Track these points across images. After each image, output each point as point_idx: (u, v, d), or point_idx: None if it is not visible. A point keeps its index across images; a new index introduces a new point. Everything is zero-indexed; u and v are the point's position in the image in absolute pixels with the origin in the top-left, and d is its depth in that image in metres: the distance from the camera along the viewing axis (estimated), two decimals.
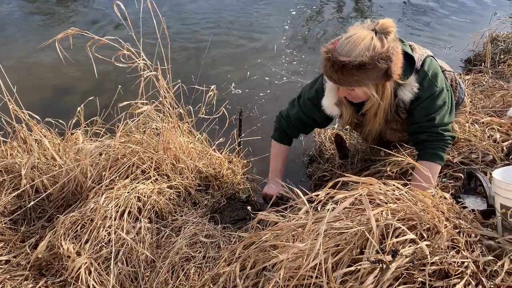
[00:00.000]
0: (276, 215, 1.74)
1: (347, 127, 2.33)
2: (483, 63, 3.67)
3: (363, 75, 1.69)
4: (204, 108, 2.58)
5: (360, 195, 1.43)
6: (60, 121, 2.66)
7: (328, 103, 2.01)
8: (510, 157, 1.92)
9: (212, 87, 2.53)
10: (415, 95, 1.85)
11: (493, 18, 4.59)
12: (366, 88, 1.78)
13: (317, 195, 1.53)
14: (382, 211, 1.47)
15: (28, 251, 1.99)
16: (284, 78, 3.94)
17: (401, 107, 1.92)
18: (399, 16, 5.29)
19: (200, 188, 2.40)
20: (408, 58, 1.81)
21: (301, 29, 5.03)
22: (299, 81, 3.79)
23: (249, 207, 1.99)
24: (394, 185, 1.51)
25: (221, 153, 2.66)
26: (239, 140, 2.85)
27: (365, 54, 1.65)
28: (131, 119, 2.41)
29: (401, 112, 1.94)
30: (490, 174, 1.79)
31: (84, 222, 1.96)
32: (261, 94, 3.75)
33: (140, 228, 1.98)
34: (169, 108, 2.34)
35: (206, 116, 2.61)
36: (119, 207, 1.98)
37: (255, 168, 2.88)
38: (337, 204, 1.45)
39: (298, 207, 1.72)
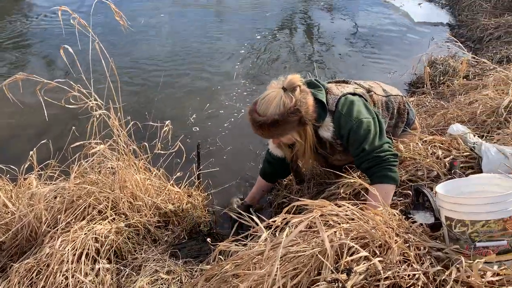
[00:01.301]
0: (237, 244, 1.76)
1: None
2: (424, 85, 3.90)
3: (279, 129, 1.97)
4: (160, 143, 2.59)
5: (314, 217, 1.48)
6: (12, 166, 2.59)
7: (272, 147, 2.33)
8: (452, 171, 2.04)
9: (167, 122, 2.56)
10: (336, 132, 2.07)
11: (431, 43, 4.91)
12: (289, 135, 2.04)
13: (274, 221, 1.57)
14: (336, 231, 1.52)
15: None
16: (242, 110, 4.02)
17: (336, 143, 2.12)
18: (346, 43, 5.56)
19: (160, 224, 2.39)
20: (321, 103, 2.05)
21: (255, 59, 5.17)
22: None
23: (208, 239, 2.00)
24: (344, 205, 1.57)
25: (179, 188, 2.66)
26: (197, 173, 2.86)
27: (277, 112, 1.92)
28: (85, 160, 2.38)
29: (337, 146, 2.14)
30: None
31: (40, 269, 1.90)
32: (218, 127, 3.80)
33: (99, 269, 1.94)
34: (123, 146, 2.34)
35: (162, 152, 2.62)
36: (76, 249, 1.94)
37: (216, 200, 2.89)
38: (293, 229, 1.50)
39: (258, 235, 1.75)
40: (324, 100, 2.05)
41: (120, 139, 2.32)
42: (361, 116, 2.01)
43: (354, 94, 2.12)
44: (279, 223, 1.56)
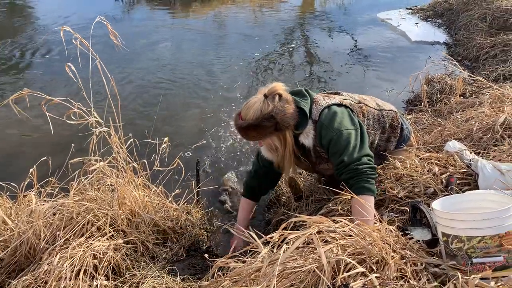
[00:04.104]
0: (235, 261, 1.76)
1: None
2: (422, 103, 3.94)
3: (255, 133, 2.08)
4: (158, 160, 2.61)
5: (311, 233, 1.49)
6: (13, 184, 2.61)
7: (263, 150, 2.35)
8: (449, 188, 2.05)
9: (165, 139, 2.58)
10: (317, 141, 2.13)
11: (428, 62, 4.97)
12: (269, 140, 2.14)
13: (271, 237, 1.58)
14: (333, 247, 1.53)
15: None
16: None
17: (321, 150, 2.18)
18: (344, 62, 5.64)
19: (158, 241, 2.39)
20: (303, 112, 2.13)
21: (254, 77, 5.25)
22: None
23: (206, 255, 2.00)
24: (341, 221, 1.59)
25: (178, 205, 2.66)
26: (196, 190, 2.87)
27: (253, 117, 2.04)
28: (85, 177, 2.40)
29: (322, 153, 2.20)
30: None
31: (38, 285, 1.90)
32: (217, 144, 3.83)
33: (96, 286, 1.93)
34: (123, 163, 2.36)
35: (161, 169, 2.63)
36: (74, 266, 1.94)
37: (215, 217, 2.90)
38: (291, 245, 1.51)
39: (256, 251, 1.75)
40: (306, 109, 2.12)
41: (120, 156, 2.34)
42: (342, 127, 2.06)
43: (339, 105, 2.18)
44: (277, 239, 1.57)
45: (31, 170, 2.55)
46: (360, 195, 1.92)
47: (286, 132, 2.11)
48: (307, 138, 2.15)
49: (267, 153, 2.32)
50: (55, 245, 2.08)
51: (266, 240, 1.60)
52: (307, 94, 2.21)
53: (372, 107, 2.32)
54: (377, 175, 2.15)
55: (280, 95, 2.08)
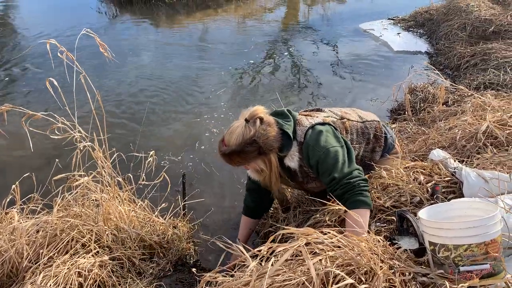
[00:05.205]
0: (223, 275, 1.74)
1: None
2: (405, 112, 3.98)
3: (239, 158, 2.08)
4: (144, 174, 2.58)
5: (299, 246, 1.48)
6: None
7: (250, 172, 2.36)
8: (435, 196, 2.07)
9: (151, 152, 2.56)
10: (305, 161, 2.14)
11: (410, 71, 5.04)
12: (254, 163, 2.12)
13: (259, 251, 1.57)
14: (321, 259, 1.52)
15: None
16: None
17: (309, 170, 2.19)
18: (328, 72, 5.68)
19: (145, 256, 2.35)
20: (286, 134, 2.13)
21: (238, 89, 5.26)
22: None
23: (194, 269, 1.97)
24: (330, 232, 1.58)
25: (165, 219, 2.63)
26: (183, 203, 2.85)
27: (236, 143, 2.04)
28: (69, 192, 2.36)
29: (310, 173, 2.21)
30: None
31: None
32: (203, 157, 3.81)
33: None
34: (107, 178, 2.32)
35: (147, 182, 2.61)
36: (59, 285, 1.90)
37: (201, 231, 2.87)
38: (279, 257, 1.50)
39: (244, 264, 1.74)
40: (290, 131, 2.12)
41: (105, 170, 2.31)
42: (328, 145, 2.06)
43: (323, 124, 2.18)
44: (265, 252, 1.55)
45: (13, 186, 2.50)
46: (356, 209, 1.91)
47: (271, 155, 2.10)
48: (292, 160, 2.16)
49: (254, 175, 2.32)
50: (38, 263, 2.04)
51: (254, 253, 1.59)
52: (290, 115, 2.21)
53: (355, 121, 2.34)
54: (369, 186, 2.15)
55: (261, 119, 2.08)
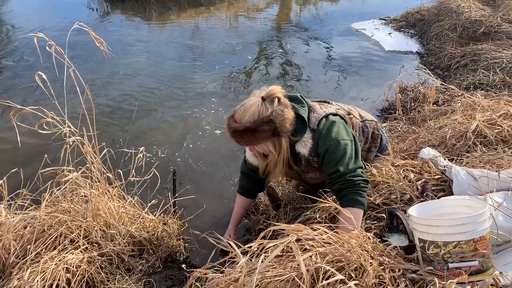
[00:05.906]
0: (213, 271, 1.74)
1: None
2: (396, 111, 4.01)
3: (251, 137, 1.98)
4: (134, 170, 2.56)
5: (290, 242, 1.48)
6: None
7: (249, 155, 2.32)
8: (425, 194, 2.08)
9: (141, 148, 2.54)
10: (313, 150, 2.08)
11: (401, 71, 5.07)
12: (263, 145, 2.04)
13: (250, 247, 1.56)
14: (312, 255, 1.52)
15: None
16: (218, 135, 4.02)
17: (313, 160, 2.13)
18: (320, 71, 5.69)
19: (134, 253, 2.33)
20: (301, 119, 2.06)
21: (231, 87, 5.24)
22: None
23: (183, 265, 1.96)
24: (320, 229, 1.58)
25: (155, 215, 2.62)
26: (173, 200, 2.83)
27: (250, 120, 1.95)
28: (58, 188, 2.33)
29: (313, 163, 2.15)
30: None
31: None
32: (194, 154, 3.79)
33: None
34: (97, 174, 2.30)
35: (137, 179, 2.59)
36: (46, 281, 1.87)
37: (192, 228, 2.86)
38: (269, 253, 1.49)
39: (234, 261, 1.73)
40: (305, 117, 2.07)
41: (94, 166, 2.29)
42: (339, 137, 2.04)
43: (335, 114, 2.15)
44: (256, 249, 1.55)
45: (0, 182, 2.47)
46: (351, 207, 1.91)
47: (282, 138, 2.03)
48: (305, 147, 2.10)
49: (253, 159, 2.28)
50: (25, 259, 2.01)
51: (244, 249, 1.58)
52: (304, 101, 2.16)
53: (357, 119, 2.34)
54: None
55: (279, 99, 2.01)
